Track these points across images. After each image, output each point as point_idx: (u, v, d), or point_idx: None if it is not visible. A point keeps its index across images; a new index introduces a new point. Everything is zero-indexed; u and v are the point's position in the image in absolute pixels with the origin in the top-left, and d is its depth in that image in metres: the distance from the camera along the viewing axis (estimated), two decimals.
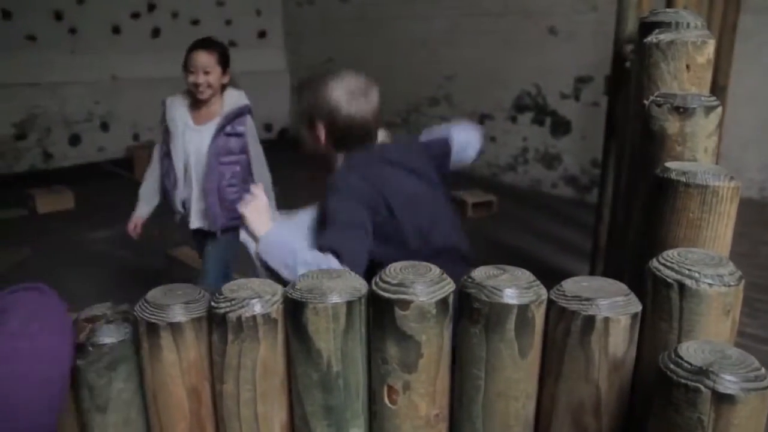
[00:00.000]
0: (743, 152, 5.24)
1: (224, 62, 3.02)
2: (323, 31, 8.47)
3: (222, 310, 0.92)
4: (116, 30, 8.03)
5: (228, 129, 2.97)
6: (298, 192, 6.08)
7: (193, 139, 3.02)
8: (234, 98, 3.05)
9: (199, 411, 1.00)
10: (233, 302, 0.92)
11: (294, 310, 0.91)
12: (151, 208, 3.20)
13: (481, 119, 7.02)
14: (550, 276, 1.00)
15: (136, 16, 8.18)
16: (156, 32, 8.33)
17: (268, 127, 9.29)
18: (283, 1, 9.25)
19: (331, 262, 1.45)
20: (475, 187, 6.07)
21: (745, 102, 5.00)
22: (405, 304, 0.87)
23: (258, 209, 1.64)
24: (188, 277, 4.10)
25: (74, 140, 8.00)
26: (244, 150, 3.04)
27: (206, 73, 2.93)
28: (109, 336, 0.98)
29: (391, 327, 0.89)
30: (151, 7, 8.26)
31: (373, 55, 8.08)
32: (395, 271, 0.92)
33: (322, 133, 1.70)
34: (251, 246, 1.60)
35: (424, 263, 0.94)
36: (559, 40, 6.34)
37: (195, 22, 8.60)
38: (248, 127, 3.03)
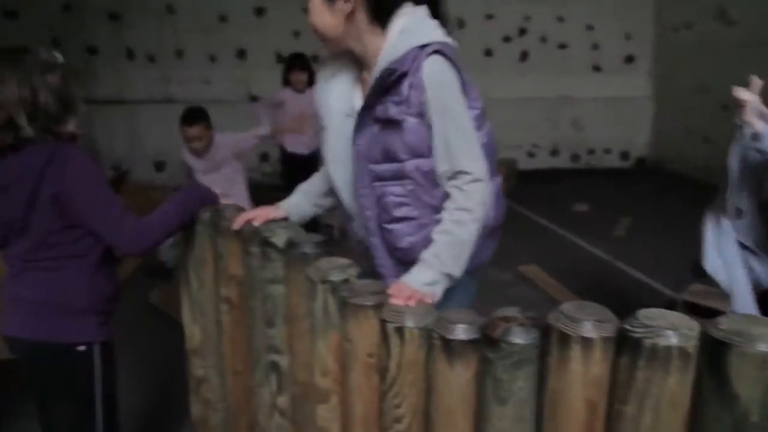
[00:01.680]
0: None
1: None
2: (699, 56, 7.86)
3: (637, 335, 0.94)
4: (488, 53, 8.59)
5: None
6: (656, 222, 5.80)
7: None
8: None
9: (593, 423, 1.04)
10: (649, 329, 0.94)
11: (714, 350, 0.89)
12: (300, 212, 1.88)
13: None
14: None
15: (507, 39, 8.64)
16: (524, 55, 8.69)
17: (624, 155, 9.01)
18: (655, 26, 8.87)
19: None
20: None
21: None
22: None
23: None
24: (534, 298, 4.21)
25: None
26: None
27: None
28: (520, 337, 1.08)
29: None
30: (522, 32, 8.64)
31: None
32: None
33: None
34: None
35: None
36: None
37: (562, 46, 8.74)
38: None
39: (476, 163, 1.54)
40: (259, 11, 7.81)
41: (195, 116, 3.63)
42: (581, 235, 5.60)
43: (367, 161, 1.63)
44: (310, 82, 4.75)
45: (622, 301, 4.09)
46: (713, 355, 0.90)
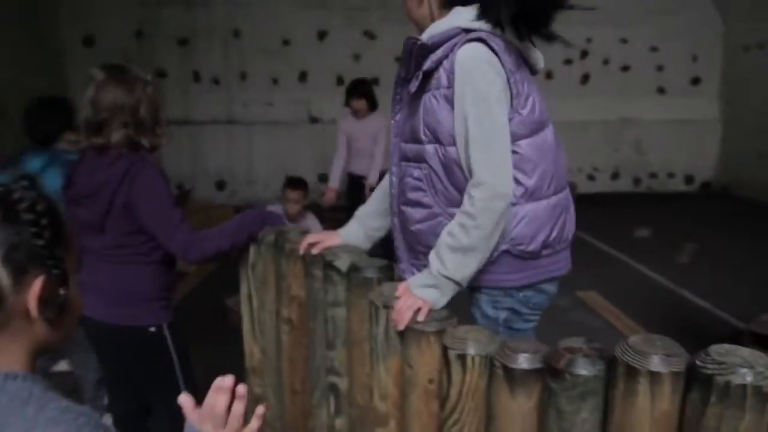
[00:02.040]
0: None
1: None
2: None
3: (708, 371, 0.92)
4: (549, 75, 8.52)
5: None
6: (722, 249, 5.61)
7: None
8: None
9: None
10: (722, 366, 0.91)
11: None
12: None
13: None
14: None
15: (568, 62, 8.56)
16: (585, 78, 8.59)
17: (689, 179, 8.77)
18: (724, 46, 8.64)
19: None
20: None
21: None
22: None
23: None
24: (593, 325, 4.11)
25: None
26: None
27: None
28: (585, 369, 1.06)
29: None
30: (584, 54, 8.55)
31: None
32: None
33: None
34: None
35: None
36: None
37: (625, 68, 8.61)
38: None
39: (489, 170, 1.41)
40: (321, 35, 7.97)
41: (298, 183, 4.10)
42: (643, 261, 5.46)
43: (399, 138, 1.63)
44: (372, 107, 4.80)
45: (685, 330, 3.96)
46: None
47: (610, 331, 3.99)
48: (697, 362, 0.94)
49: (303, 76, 8.07)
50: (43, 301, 0.77)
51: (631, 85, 8.58)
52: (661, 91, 8.71)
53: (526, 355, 1.14)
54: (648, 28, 8.46)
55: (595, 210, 7.44)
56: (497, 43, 1.45)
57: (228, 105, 7.99)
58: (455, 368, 1.23)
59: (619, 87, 8.55)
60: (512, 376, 1.14)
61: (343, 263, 1.59)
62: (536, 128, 1.54)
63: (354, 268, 1.55)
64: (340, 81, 7.97)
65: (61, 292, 0.80)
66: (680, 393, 0.98)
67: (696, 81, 8.77)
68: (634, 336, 1.04)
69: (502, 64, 1.44)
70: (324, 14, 7.86)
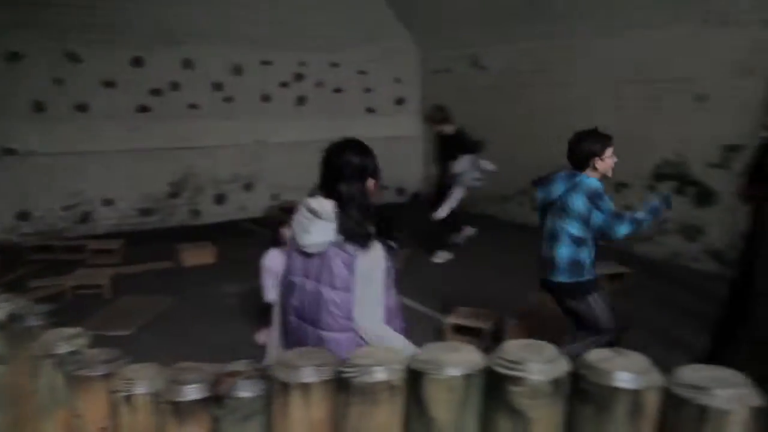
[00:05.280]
0: None
1: None
2: (459, 98, 8.65)
3: (347, 375, 0.99)
4: (266, 98, 8.70)
5: None
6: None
7: None
8: None
9: None
10: (359, 368, 0.99)
11: (414, 380, 0.97)
12: None
13: (617, 187, 6.83)
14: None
15: (284, 85, 8.83)
16: (301, 100, 8.92)
17: (400, 191, 9.57)
18: (422, 70, 9.63)
19: None
20: (608, 258, 5.84)
21: None
22: (519, 381, 0.91)
23: None
24: None
25: (219, 199, 8.65)
26: None
27: None
28: (246, 390, 1.08)
29: (504, 403, 0.92)
30: (299, 77, 8.89)
31: (507, 123, 8.16)
32: (512, 348, 0.95)
33: None
34: None
35: (541, 341, 0.97)
36: (707, 107, 6.10)
37: (337, 90, 9.13)
38: None
39: None
40: (14, 56, 7.16)
41: None
42: None
43: None
44: None
45: None
46: (414, 385, 0.97)
47: None
48: (342, 369, 1.01)
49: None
50: None
51: (343, 106, 9.13)
52: (370, 110, 9.39)
53: (193, 386, 1.12)
54: (356, 53, 9.09)
55: None
56: None
57: None
58: (123, 411, 1.18)
59: (333, 108, 9.04)
60: (180, 410, 1.12)
61: (1, 312, 1.43)
62: None
63: (14, 318, 1.40)
64: (38, 107, 7.24)
65: None
66: (333, 399, 1.04)
67: (400, 101, 9.62)
68: (290, 351, 1.09)
69: None
70: (19, 35, 7.05)
